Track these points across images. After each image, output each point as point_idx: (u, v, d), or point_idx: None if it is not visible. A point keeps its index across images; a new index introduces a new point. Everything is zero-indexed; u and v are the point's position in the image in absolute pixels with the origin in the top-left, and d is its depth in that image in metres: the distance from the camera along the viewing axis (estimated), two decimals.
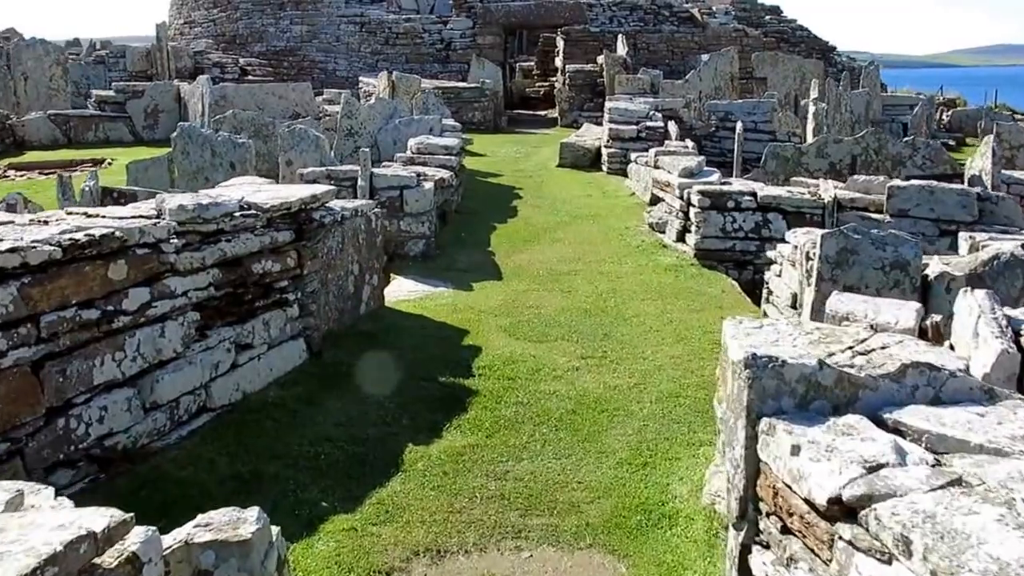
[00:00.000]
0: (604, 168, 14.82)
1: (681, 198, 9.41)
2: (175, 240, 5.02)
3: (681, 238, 9.51)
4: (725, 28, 25.90)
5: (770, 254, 7.22)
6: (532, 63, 31.45)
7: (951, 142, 24.85)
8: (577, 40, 24.55)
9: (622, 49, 22.63)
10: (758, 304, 8.05)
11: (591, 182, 13.95)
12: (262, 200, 5.87)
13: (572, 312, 7.49)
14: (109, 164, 13.75)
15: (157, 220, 5.01)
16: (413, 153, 11.59)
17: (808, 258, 6.01)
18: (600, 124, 19.65)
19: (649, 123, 14.67)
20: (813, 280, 5.85)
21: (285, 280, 6.02)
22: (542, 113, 27.09)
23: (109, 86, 19.21)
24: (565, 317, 7.36)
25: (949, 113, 27.87)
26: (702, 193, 8.93)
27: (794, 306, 6.56)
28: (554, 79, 27.78)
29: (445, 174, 10.55)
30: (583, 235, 10.28)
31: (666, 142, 13.12)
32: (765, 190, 8.95)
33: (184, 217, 5.14)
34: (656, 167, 11.69)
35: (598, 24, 25.41)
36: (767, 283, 7.26)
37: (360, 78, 23.92)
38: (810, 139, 14.60)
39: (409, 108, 15.02)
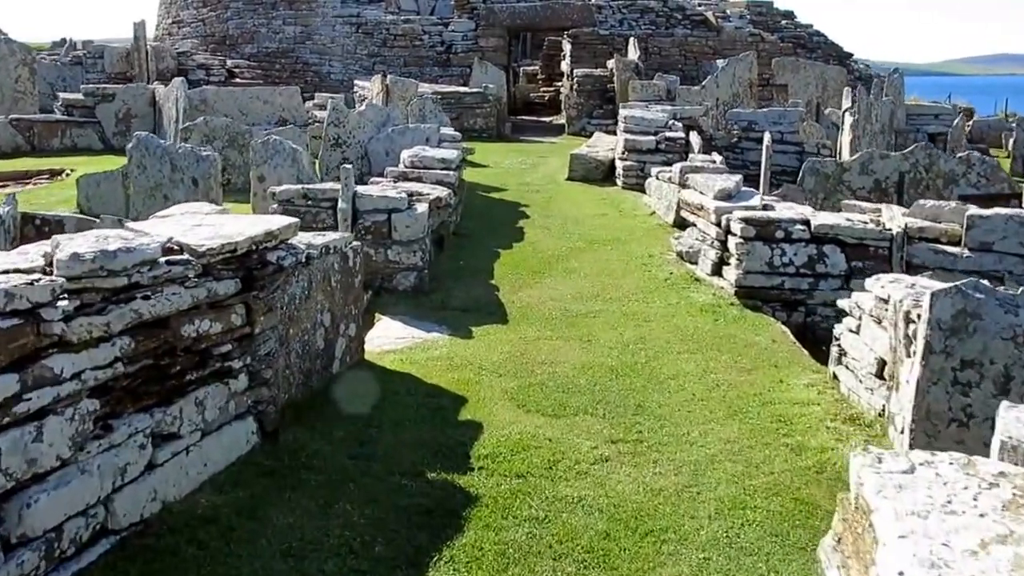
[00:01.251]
0: (619, 182, 13.45)
1: (718, 225, 8.03)
2: (64, 302, 3.63)
3: (717, 271, 8.12)
4: (740, 33, 24.55)
5: (842, 303, 5.83)
6: (537, 67, 30.11)
7: (973, 152, 23.58)
8: (585, 43, 23.19)
9: (634, 53, 21.28)
10: (818, 357, 6.67)
11: (605, 198, 12.56)
12: (198, 241, 4.48)
13: (594, 371, 6.10)
14: (67, 175, 12.37)
15: (40, 276, 3.63)
16: (406, 167, 10.21)
17: (909, 320, 4.61)
18: (612, 133, 18.30)
19: (668, 134, 13.29)
20: (918, 351, 4.46)
21: (228, 343, 4.63)
22: (547, 119, 25.75)
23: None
24: (586, 378, 5.96)
25: (970, 123, 26.55)
26: (745, 221, 7.54)
27: (881, 375, 5.16)
28: (560, 84, 26.44)
29: (442, 192, 9.17)
30: (601, 265, 8.89)
31: (690, 156, 11.74)
32: (819, 217, 7.56)
33: (80, 270, 3.76)
34: (683, 185, 10.30)
35: (607, 27, 24.05)
36: (837, 337, 5.87)
37: (355, 82, 22.56)
38: (846, 152, 13.24)
39: (404, 115, 13.65)
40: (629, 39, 22.31)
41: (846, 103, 14.51)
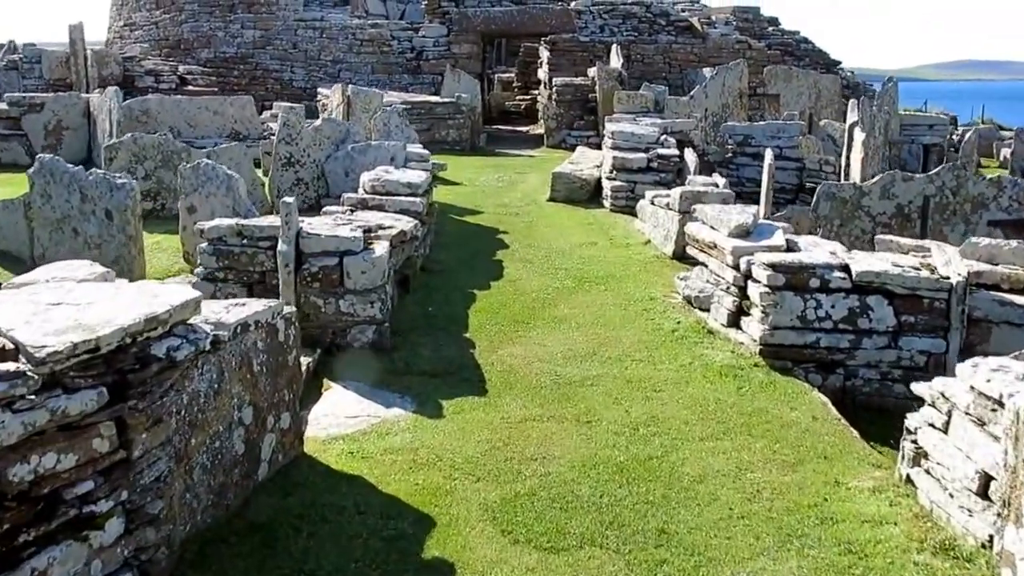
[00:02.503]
0: (606, 204, 12.13)
1: (735, 268, 6.72)
2: None
3: (734, 322, 6.81)
4: (727, 40, 23.39)
5: (920, 388, 4.51)
6: (512, 74, 28.80)
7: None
8: (564, 50, 21.90)
9: (616, 61, 20.02)
10: (862, 430, 5.41)
11: (592, 223, 11.24)
12: (40, 337, 3.10)
13: (599, 471, 4.75)
14: None
15: None
16: (366, 192, 8.82)
17: None
18: (595, 146, 17.03)
19: (661, 151, 12.00)
20: None
21: (90, 479, 3.25)
22: (523, 129, 24.44)
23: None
24: (590, 484, 4.61)
25: (959, 132, 25.61)
26: (772, 267, 6.23)
27: (985, 495, 3.86)
28: (536, 92, 25.16)
29: (407, 224, 7.79)
30: (595, 311, 7.55)
31: (688, 179, 10.45)
32: (861, 262, 6.27)
33: None
34: (684, 213, 9.01)
35: (587, 33, 22.78)
36: (911, 431, 4.57)
37: (319, 90, 21.09)
38: (856, 171, 12.02)
39: (367, 130, 12.25)
40: (611, 46, 21.06)
41: (851, 116, 13.32)
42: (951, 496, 4.09)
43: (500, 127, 24.72)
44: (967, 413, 4.00)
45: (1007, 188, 9.92)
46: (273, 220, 6.85)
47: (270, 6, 23.74)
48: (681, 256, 9.21)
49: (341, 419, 5.54)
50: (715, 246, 7.06)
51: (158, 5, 25.32)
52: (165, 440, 3.66)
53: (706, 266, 7.42)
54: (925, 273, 6.12)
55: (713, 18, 24.91)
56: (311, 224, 6.92)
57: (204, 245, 6.91)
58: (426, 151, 10.59)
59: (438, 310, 7.50)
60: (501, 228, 10.80)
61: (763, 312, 6.30)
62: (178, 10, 24.70)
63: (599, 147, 18.01)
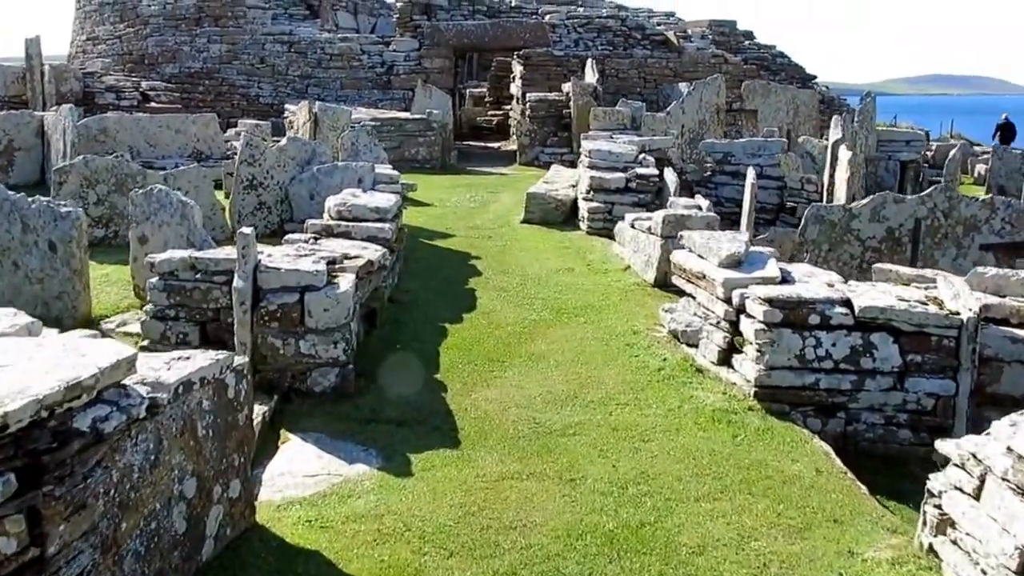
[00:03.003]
0: (583, 226, 11.68)
1: (727, 302, 6.28)
2: None
3: (725, 360, 6.37)
4: (703, 54, 23.14)
5: (946, 447, 4.08)
6: (484, 89, 28.40)
7: (941, 180, 22.44)
8: (538, 65, 21.52)
9: (591, 75, 19.66)
10: (865, 480, 4.99)
11: (569, 247, 10.78)
12: None
13: (586, 542, 4.26)
14: None
15: None
16: (332, 218, 8.30)
17: None
18: (570, 164, 16.64)
19: (640, 170, 11.59)
20: None
21: None
22: (495, 145, 24.04)
23: None
24: (575, 558, 4.12)
25: (933, 148, 25.52)
26: (770, 302, 5.80)
27: None
28: (509, 107, 24.78)
29: (374, 254, 7.29)
30: (575, 346, 7.07)
31: (670, 201, 10.03)
32: (863, 296, 5.85)
33: None
34: (667, 238, 8.59)
35: (561, 47, 22.42)
36: (934, 493, 4.13)
37: (286, 106, 20.56)
38: (841, 192, 11.68)
39: (335, 149, 11.73)
40: (586, 60, 20.71)
41: (835, 133, 13.00)
42: (983, 573, 3.65)
43: (472, 143, 24.32)
44: (1005, 479, 3.56)
45: (1000, 210, 9.60)
46: (230, 252, 6.32)
47: (237, 19, 23.17)
48: (664, 283, 8.78)
49: (299, 478, 5.01)
50: (704, 277, 6.62)
51: (122, 19, 24.65)
52: (89, 528, 3.13)
53: (693, 297, 6.98)
54: (933, 308, 5.71)
55: (689, 32, 24.69)
56: (270, 256, 6.39)
57: (154, 280, 6.36)
58: (395, 172, 10.09)
59: (407, 347, 6.98)
60: (474, 253, 10.32)
61: (758, 351, 5.86)
62: (143, 24, 24.04)
63: (574, 165, 17.63)
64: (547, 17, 23.28)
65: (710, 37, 24.68)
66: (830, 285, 6.27)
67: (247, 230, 5.95)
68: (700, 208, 9.37)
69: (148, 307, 6.37)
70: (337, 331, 5.99)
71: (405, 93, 21.98)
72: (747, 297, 6.01)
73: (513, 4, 24.47)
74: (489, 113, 27.18)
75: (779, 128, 19.43)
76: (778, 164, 14.06)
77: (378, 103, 21.91)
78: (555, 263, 9.92)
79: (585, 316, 7.85)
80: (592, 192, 11.54)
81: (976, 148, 27.83)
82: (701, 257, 6.87)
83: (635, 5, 27.54)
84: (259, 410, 5.61)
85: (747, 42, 26.14)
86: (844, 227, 9.32)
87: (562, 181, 13.47)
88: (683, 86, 20.63)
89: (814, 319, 5.75)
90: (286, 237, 7.58)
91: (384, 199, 8.74)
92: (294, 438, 5.50)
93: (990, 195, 10.28)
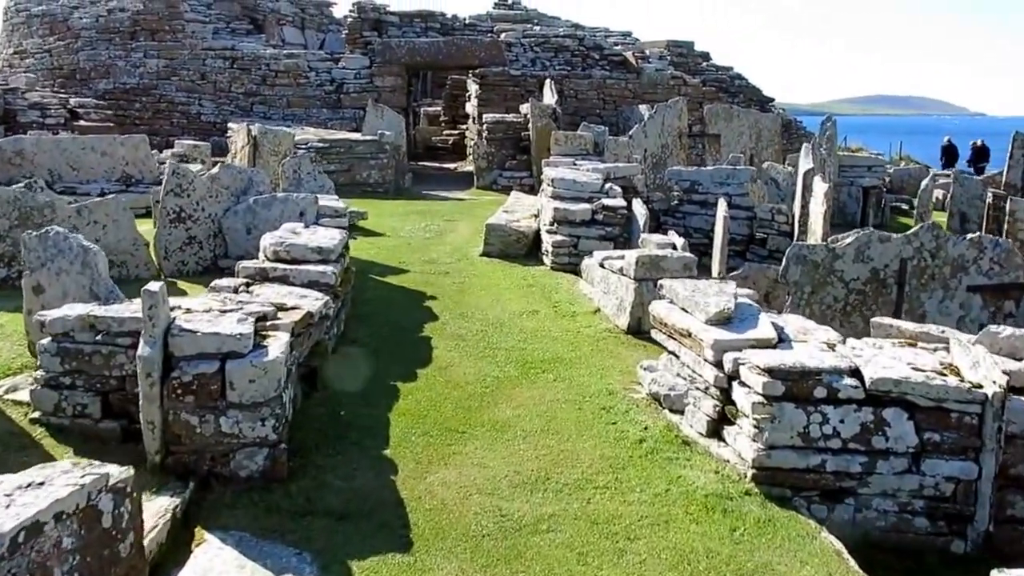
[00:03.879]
0: (547, 260, 10.88)
1: (717, 366, 5.50)
2: None
3: (716, 432, 5.58)
4: (662, 75, 22.63)
5: None
6: (439, 108, 27.60)
7: (902, 205, 22.17)
8: (494, 84, 20.78)
9: (550, 96, 18.95)
10: None
11: (533, 285, 9.95)
12: None
13: None
14: None
15: None
16: (268, 258, 7.37)
17: None
18: (528, 189, 15.90)
19: (607, 201, 10.84)
20: None
21: None
22: (451, 166, 23.24)
23: None
24: None
25: (890, 171, 25.32)
26: (770, 372, 5.02)
27: None
28: (464, 127, 24.02)
29: (315, 303, 6.38)
30: (544, 411, 6.22)
31: (641, 237, 9.28)
32: (874, 364, 5.11)
33: None
34: (639, 279, 7.82)
35: (518, 66, 21.71)
36: None
37: (230, 124, 19.48)
38: (818, 228, 11.05)
39: (275, 177, 10.78)
40: (544, 81, 20.02)
41: (805, 161, 12.41)
42: None
43: (427, 164, 23.49)
44: None
45: (987, 249, 9.03)
46: (137, 309, 5.35)
47: (175, 33, 22.04)
48: (638, 330, 8.02)
49: None
50: (690, 335, 5.83)
51: (52, 31, 23.34)
52: None
53: (676, 356, 6.19)
54: (953, 380, 4.99)
55: (647, 52, 24.19)
56: (189, 314, 5.44)
57: (46, 341, 5.39)
58: (342, 204, 9.17)
59: (352, 414, 6.07)
60: (429, 292, 9.44)
61: (756, 426, 5.08)
62: (74, 37, 22.77)
63: (533, 189, 16.88)
64: (503, 35, 22.58)
65: (668, 58, 24.21)
66: (830, 346, 5.54)
67: (154, 286, 4.99)
68: (675, 246, 8.63)
69: (38, 373, 5.41)
70: (265, 406, 5.06)
71: (356, 112, 21.06)
72: (742, 363, 5.24)
73: (467, 22, 23.72)
74: (444, 133, 26.39)
75: (743, 152, 18.94)
76: (747, 193, 13.45)
77: (327, 122, 20.96)
78: (518, 304, 9.09)
79: (554, 371, 7.01)
80: (556, 224, 10.75)
81: (933, 172, 27.77)
82: (685, 311, 6.09)
83: (590, 24, 26.90)
84: (168, 504, 4.67)
85: (704, 63, 25.74)
86: (827, 268, 8.65)
87: (522, 210, 12.67)
88: (643, 108, 20.05)
89: (820, 392, 4.99)
90: (213, 284, 6.63)
91: (328, 237, 7.83)
92: (211, 539, 4.55)
93: (978, 234, 9.68)
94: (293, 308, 6.20)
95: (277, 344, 5.29)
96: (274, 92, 21.45)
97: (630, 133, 17.25)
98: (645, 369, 6.56)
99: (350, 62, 21.66)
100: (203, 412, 5.00)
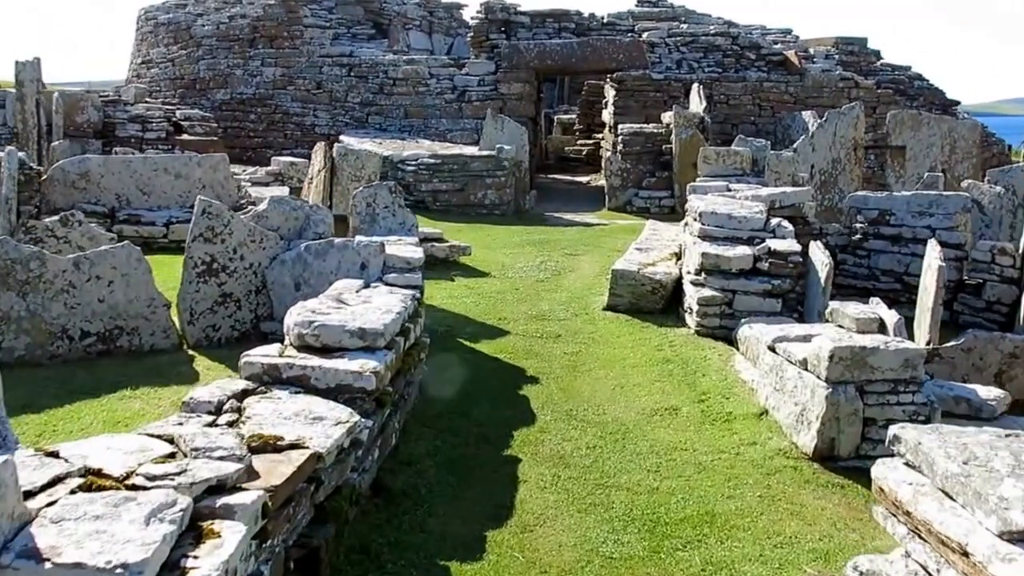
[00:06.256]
0: (690, 321, 8.29)
1: None
2: None
3: None
4: (829, 76, 19.39)
5: None
6: (575, 115, 25.26)
7: None
8: (633, 90, 18.22)
9: (697, 103, 16.23)
10: None
11: (671, 360, 7.40)
12: None
13: None
14: None
15: None
16: (292, 344, 5.18)
17: None
18: (671, 212, 13.30)
19: (774, 243, 8.12)
20: None
21: None
22: (583, 179, 20.92)
23: None
24: None
25: None
26: None
27: None
28: (600, 136, 21.58)
29: (327, 438, 4.12)
30: None
31: (830, 307, 6.52)
32: None
33: None
34: (833, 383, 5.16)
35: (661, 69, 19.05)
36: None
37: (342, 136, 17.86)
38: None
39: (349, 210, 8.70)
40: (690, 85, 17.30)
41: None
42: None
43: (557, 176, 21.27)
44: None
45: None
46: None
47: (294, 40, 20.66)
48: (828, 455, 5.37)
49: None
50: (967, 554, 3.17)
51: (176, 40, 22.54)
52: None
53: (925, 571, 3.52)
54: None
55: (812, 51, 20.97)
56: (66, 504, 3.27)
57: None
58: (418, 252, 6.92)
59: None
60: (531, 370, 7.08)
61: None
62: (195, 45, 21.84)
63: (673, 212, 14.30)
64: (645, 35, 19.94)
65: (836, 57, 20.91)
66: None
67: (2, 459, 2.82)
68: (886, 325, 5.87)
69: None
70: None
71: (478, 123, 18.98)
72: None
73: (606, 21, 21.21)
74: (579, 143, 24.05)
75: (932, 168, 15.59)
76: (957, 227, 10.35)
77: (447, 134, 19.00)
78: (650, 395, 6.57)
79: (701, 549, 4.45)
80: (704, 274, 8.14)
81: None
82: (949, 496, 3.41)
83: (745, 21, 23.97)
84: None
85: (878, 62, 22.22)
86: None
87: (660, 248, 10.10)
88: (807, 115, 17.00)
89: None
90: (188, 397, 4.46)
91: (383, 311, 5.55)
92: None
93: None
94: (291, 447, 3.97)
95: (212, 559, 3.02)
96: (391, 101, 19.68)
97: (795, 146, 14.31)
98: (872, 563, 3.90)
99: (474, 68, 19.63)
100: None
